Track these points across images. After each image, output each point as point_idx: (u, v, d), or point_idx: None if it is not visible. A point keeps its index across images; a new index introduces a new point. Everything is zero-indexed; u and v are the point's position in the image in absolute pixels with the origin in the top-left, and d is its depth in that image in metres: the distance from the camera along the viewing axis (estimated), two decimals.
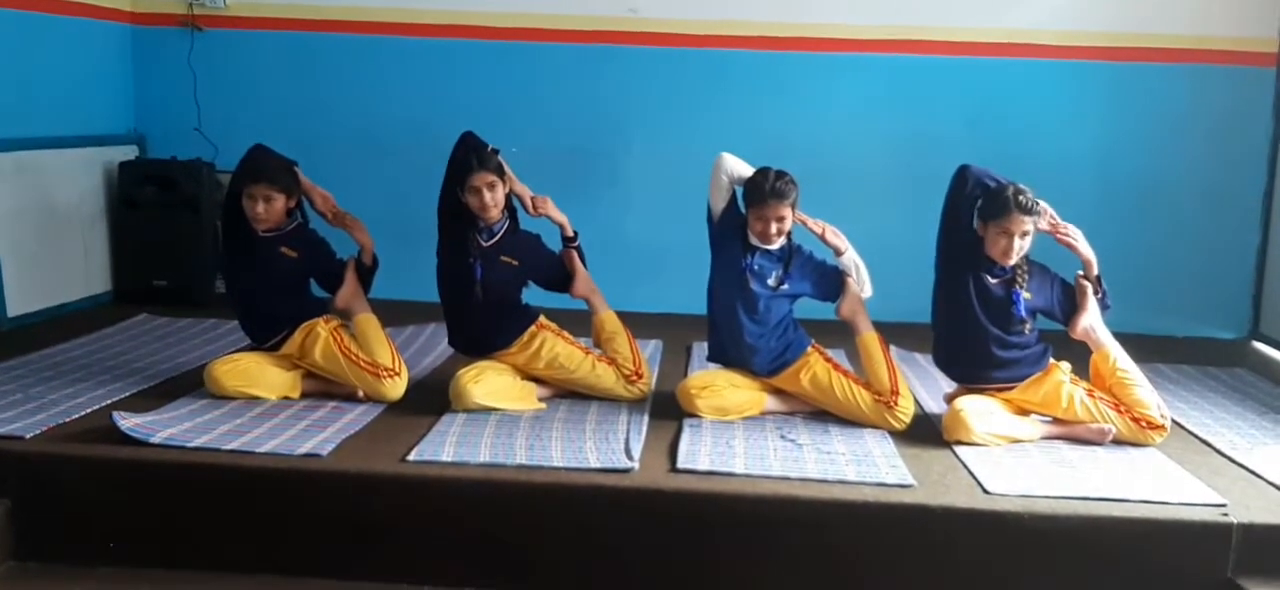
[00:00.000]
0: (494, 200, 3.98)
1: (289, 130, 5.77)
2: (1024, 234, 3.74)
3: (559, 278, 4.23)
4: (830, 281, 4.02)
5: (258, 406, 3.86)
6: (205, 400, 3.90)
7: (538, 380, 4.13)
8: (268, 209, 3.98)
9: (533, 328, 4.13)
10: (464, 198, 3.99)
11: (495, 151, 4.00)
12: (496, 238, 4.07)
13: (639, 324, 4.38)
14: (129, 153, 5.83)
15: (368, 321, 4.12)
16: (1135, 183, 5.70)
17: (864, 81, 5.76)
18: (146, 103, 5.95)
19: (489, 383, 3.93)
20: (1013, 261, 3.78)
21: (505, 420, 3.78)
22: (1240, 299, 5.74)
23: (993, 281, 3.82)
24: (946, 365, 3.99)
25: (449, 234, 4.11)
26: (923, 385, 4.41)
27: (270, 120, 5.83)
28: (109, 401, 3.87)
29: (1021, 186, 3.76)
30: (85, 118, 5.58)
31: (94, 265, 5.64)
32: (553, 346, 4.11)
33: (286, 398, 3.98)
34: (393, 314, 4.51)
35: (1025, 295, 3.82)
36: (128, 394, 4.00)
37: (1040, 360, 3.89)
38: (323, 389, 4.05)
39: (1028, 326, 3.85)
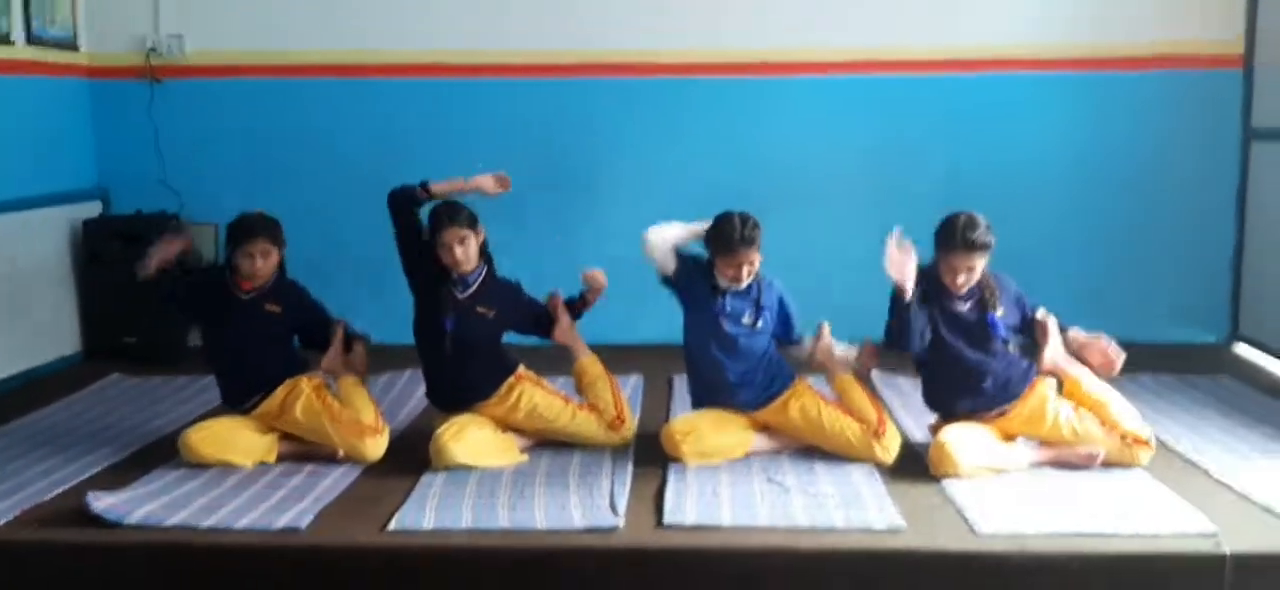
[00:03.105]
0: (465, 254, 3.94)
1: (255, 178, 5.77)
2: (970, 269, 3.72)
3: (538, 324, 4.20)
4: (790, 330, 4.05)
5: (234, 475, 3.78)
6: (180, 470, 3.82)
7: (518, 431, 4.07)
8: (265, 263, 4.01)
9: (511, 379, 4.08)
10: (439, 252, 3.95)
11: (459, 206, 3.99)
12: (472, 289, 4.02)
13: (618, 356, 4.34)
14: (93, 209, 5.73)
15: (352, 381, 4.10)
16: (1110, 190, 5.71)
17: (836, 103, 5.73)
18: (109, 157, 5.85)
19: (469, 440, 3.87)
20: (965, 289, 3.75)
21: (486, 478, 3.72)
22: (1219, 302, 5.75)
23: (964, 307, 3.79)
24: (940, 405, 3.94)
25: (421, 287, 4.06)
26: (906, 410, 4.37)
27: (235, 169, 5.78)
28: (82, 476, 3.79)
29: (975, 217, 3.72)
30: (47, 176, 5.47)
31: (62, 326, 5.55)
32: (531, 397, 4.05)
33: (262, 463, 3.90)
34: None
35: (999, 314, 3.79)
36: (101, 467, 3.92)
37: (1026, 376, 3.86)
38: (300, 451, 3.97)
39: (1010, 346, 3.83)
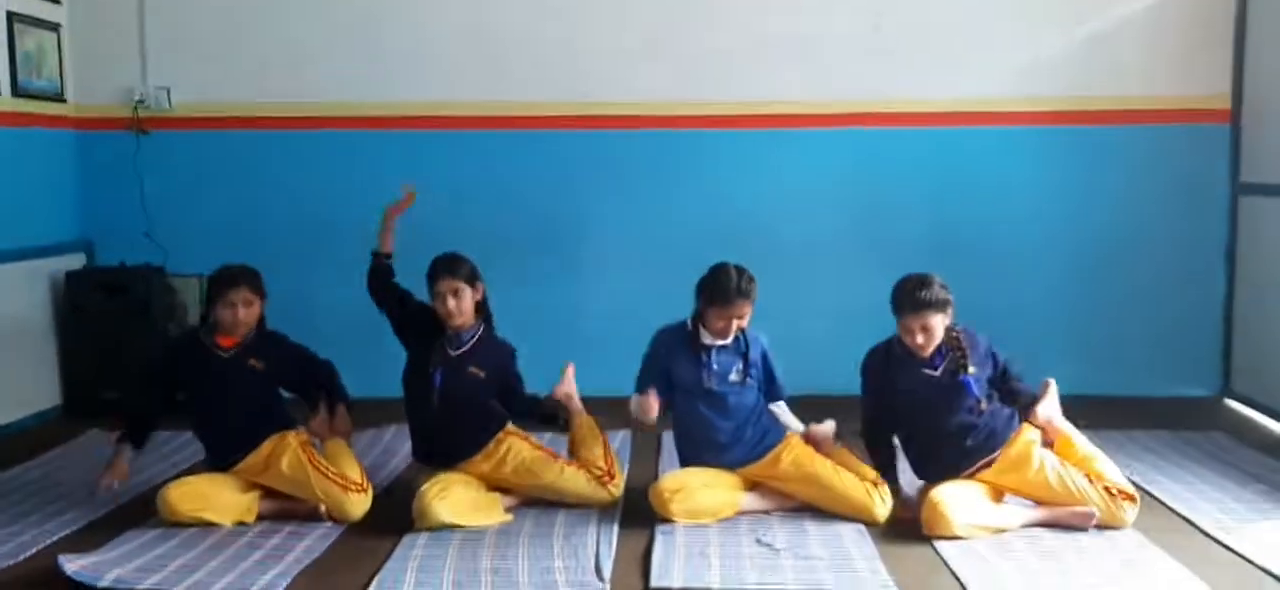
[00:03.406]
0: (458, 307, 3.90)
1: (241, 230, 5.71)
2: (925, 329, 3.68)
3: (514, 405, 4.13)
4: (775, 385, 4.00)
5: (212, 534, 3.70)
6: (157, 530, 3.74)
7: (503, 489, 4.00)
8: (247, 313, 3.95)
9: (499, 434, 4.02)
10: (434, 303, 3.92)
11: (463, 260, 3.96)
12: (465, 346, 3.97)
13: (604, 410, 4.26)
14: (77, 261, 5.67)
15: (339, 443, 4.06)
16: (1100, 244, 5.69)
17: (824, 156, 5.70)
18: (93, 209, 5.80)
19: (454, 498, 3.79)
20: (929, 351, 3.71)
21: (469, 539, 3.63)
22: (1211, 356, 5.71)
23: (936, 371, 3.75)
24: (927, 471, 3.86)
25: (414, 341, 4.02)
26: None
27: (221, 221, 5.73)
28: (57, 536, 3.71)
29: (926, 277, 3.70)
30: (30, 228, 5.40)
31: (42, 380, 5.47)
32: (519, 452, 3.99)
33: (241, 522, 3.82)
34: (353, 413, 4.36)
35: (971, 372, 3.75)
36: (76, 527, 3.83)
37: (1011, 423, 3.82)
38: (280, 510, 3.90)
39: (983, 404, 3.77)
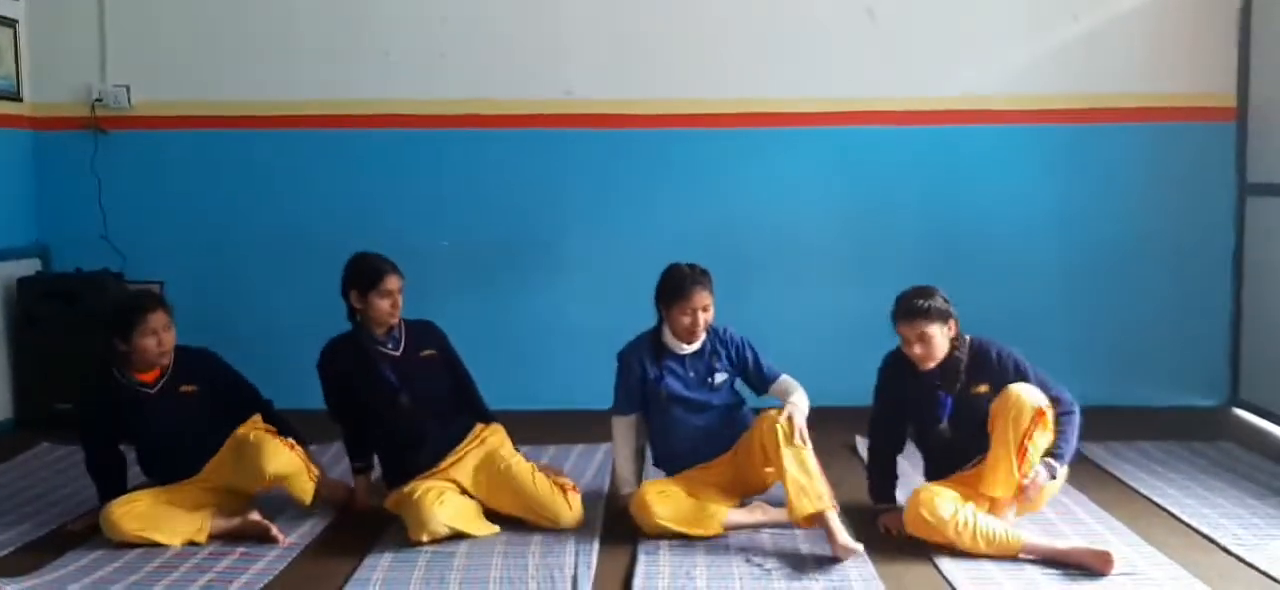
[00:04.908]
0: (399, 306, 3.81)
1: (203, 234, 5.49)
2: (922, 339, 3.49)
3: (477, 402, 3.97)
4: (761, 367, 3.77)
5: (158, 556, 3.44)
6: (100, 551, 3.48)
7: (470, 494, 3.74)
8: (169, 337, 3.73)
9: (478, 425, 3.86)
10: (375, 302, 3.75)
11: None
12: (402, 341, 3.83)
13: (584, 423, 4.01)
14: (31, 266, 5.39)
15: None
16: (1101, 247, 5.46)
17: (813, 156, 5.46)
18: (50, 212, 5.51)
19: (451, 504, 3.57)
20: (930, 363, 3.53)
21: (437, 559, 3.36)
22: (1218, 364, 5.48)
23: (935, 385, 3.56)
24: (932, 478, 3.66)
25: (342, 370, 3.84)
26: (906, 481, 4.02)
27: (182, 225, 5.48)
28: None
29: (926, 288, 3.54)
30: None
31: None
32: (494, 439, 3.83)
33: (192, 543, 3.55)
34: (315, 428, 4.05)
35: (981, 390, 3.53)
36: (14, 547, 3.57)
37: None
38: (232, 529, 3.64)
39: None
